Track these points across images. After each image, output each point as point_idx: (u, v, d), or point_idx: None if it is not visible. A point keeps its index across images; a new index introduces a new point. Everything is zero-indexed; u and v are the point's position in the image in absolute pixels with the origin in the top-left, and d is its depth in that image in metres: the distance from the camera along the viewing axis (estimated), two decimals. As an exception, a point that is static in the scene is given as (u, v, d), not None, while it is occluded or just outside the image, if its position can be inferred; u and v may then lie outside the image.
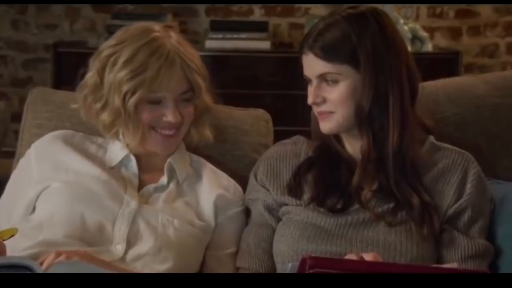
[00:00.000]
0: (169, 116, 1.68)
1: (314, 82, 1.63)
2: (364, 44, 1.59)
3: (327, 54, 1.60)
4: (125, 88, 1.65)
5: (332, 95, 1.62)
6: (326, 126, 1.64)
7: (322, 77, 1.62)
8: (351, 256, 1.46)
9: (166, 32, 1.72)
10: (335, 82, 1.61)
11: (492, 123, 1.87)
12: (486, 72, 3.66)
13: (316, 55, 1.61)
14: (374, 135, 1.62)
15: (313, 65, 1.62)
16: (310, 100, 1.64)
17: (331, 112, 1.63)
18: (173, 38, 1.71)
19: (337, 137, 1.69)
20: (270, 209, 1.71)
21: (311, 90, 1.64)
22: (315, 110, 1.66)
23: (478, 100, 1.88)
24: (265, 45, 3.68)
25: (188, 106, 1.71)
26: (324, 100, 1.63)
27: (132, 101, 1.66)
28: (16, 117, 1.98)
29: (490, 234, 1.68)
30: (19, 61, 3.88)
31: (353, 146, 1.68)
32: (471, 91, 1.89)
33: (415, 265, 1.49)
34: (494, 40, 3.89)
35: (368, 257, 1.44)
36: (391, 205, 1.62)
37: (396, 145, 1.61)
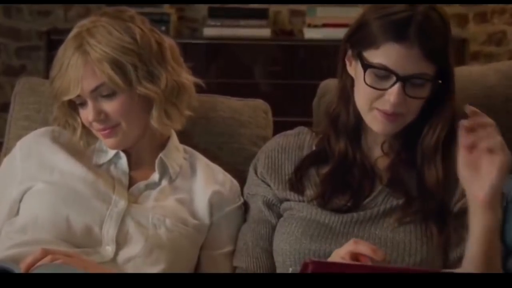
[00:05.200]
0: (89, 117, 1.60)
1: (399, 81, 1.50)
2: (451, 49, 1.55)
3: (434, 54, 1.50)
4: (52, 93, 1.63)
5: (414, 100, 1.52)
6: (388, 128, 1.55)
7: (414, 76, 1.51)
8: (345, 251, 1.40)
9: (92, 23, 1.60)
10: (422, 86, 1.52)
11: (503, 114, 1.80)
12: (493, 60, 3.64)
13: (424, 53, 1.49)
14: (414, 134, 1.57)
15: (413, 61, 1.49)
16: (396, 100, 1.49)
17: (401, 114, 1.54)
18: (90, 26, 1.59)
19: (356, 135, 1.62)
20: (270, 205, 1.66)
21: (394, 91, 1.49)
22: (388, 110, 1.51)
23: (489, 90, 1.83)
24: (265, 32, 3.67)
25: (110, 103, 1.59)
26: (405, 103, 1.52)
27: (58, 105, 1.63)
28: (9, 107, 1.93)
29: (501, 233, 1.59)
30: (12, 49, 3.84)
31: (376, 142, 1.62)
32: (481, 80, 1.84)
33: (422, 270, 1.42)
34: (502, 27, 3.87)
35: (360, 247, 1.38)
36: (401, 201, 1.57)
37: (434, 144, 1.57)
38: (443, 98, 1.57)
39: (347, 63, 1.59)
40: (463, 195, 1.56)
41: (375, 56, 1.51)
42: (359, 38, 1.55)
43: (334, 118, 1.63)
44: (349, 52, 1.58)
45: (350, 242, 1.41)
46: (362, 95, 1.55)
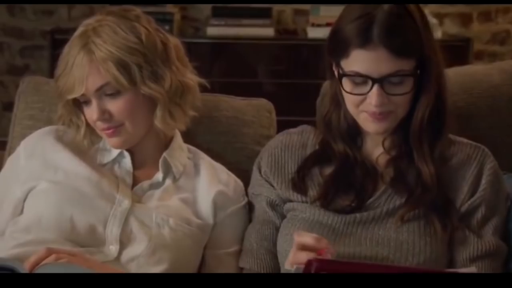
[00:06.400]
0: (93, 116, 1.60)
1: (375, 84, 1.50)
2: (428, 39, 1.53)
3: (403, 50, 1.49)
4: (57, 91, 1.62)
5: (399, 97, 1.51)
6: (381, 126, 1.54)
7: (390, 76, 1.50)
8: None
9: (98, 22, 1.59)
10: (401, 82, 1.51)
11: (508, 114, 1.81)
12: (497, 60, 3.63)
13: (392, 52, 1.48)
14: (409, 129, 1.57)
15: (382, 62, 1.49)
16: (377, 102, 1.49)
17: (391, 112, 1.54)
18: (96, 25, 1.58)
19: (354, 137, 1.62)
20: (273, 206, 1.65)
21: (374, 93, 1.49)
22: (375, 112, 1.52)
23: (494, 89, 1.82)
24: (269, 32, 3.66)
25: (114, 102, 1.59)
26: (390, 101, 1.52)
27: (63, 103, 1.63)
28: (13, 106, 1.93)
29: (505, 233, 1.61)
30: (16, 48, 3.84)
31: (376, 141, 1.61)
32: (486, 80, 1.84)
33: (426, 270, 1.41)
34: (506, 26, 3.86)
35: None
36: (404, 199, 1.56)
37: (418, 130, 1.57)
38: (422, 87, 1.55)
39: (335, 71, 1.60)
40: (470, 195, 1.57)
41: (348, 64, 1.52)
42: (333, 49, 1.56)
43: (327, 123, 1.63)
44: (333, 63, 1.59)
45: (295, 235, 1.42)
46: (348, 101, 1.56)
